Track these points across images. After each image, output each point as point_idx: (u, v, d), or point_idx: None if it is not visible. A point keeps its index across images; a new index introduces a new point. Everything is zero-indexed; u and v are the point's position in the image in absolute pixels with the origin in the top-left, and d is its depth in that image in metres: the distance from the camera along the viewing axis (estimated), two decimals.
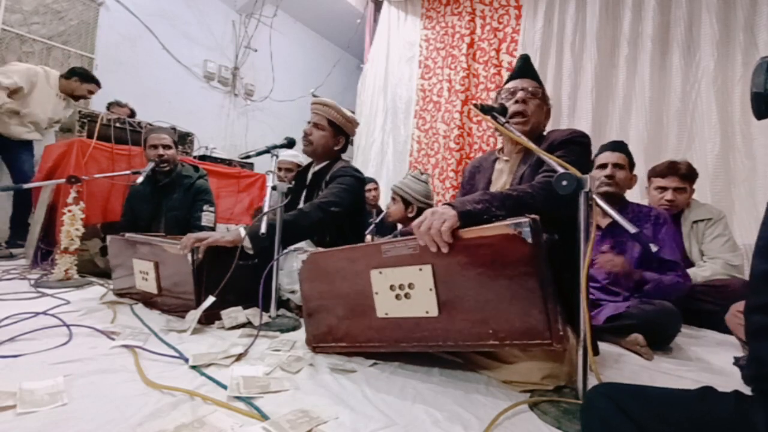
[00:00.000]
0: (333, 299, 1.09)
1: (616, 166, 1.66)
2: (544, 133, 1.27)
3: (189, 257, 1.30)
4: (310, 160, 1.89)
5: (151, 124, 2.74)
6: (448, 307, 0.90)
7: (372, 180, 3.67)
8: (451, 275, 0.89)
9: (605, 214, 1.64)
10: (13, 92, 2.63)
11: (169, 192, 2.26)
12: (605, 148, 1.75)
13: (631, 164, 1.73)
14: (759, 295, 0.57)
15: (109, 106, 3.24)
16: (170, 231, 2.09)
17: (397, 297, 0.96)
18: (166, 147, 2.20)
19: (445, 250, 0.86)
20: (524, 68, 1.32)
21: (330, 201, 1.54)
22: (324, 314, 1.11)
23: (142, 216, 2.25)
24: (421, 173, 2.28)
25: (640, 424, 0.56)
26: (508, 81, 1.33)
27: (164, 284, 1.44)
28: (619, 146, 1.73)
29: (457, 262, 0.87)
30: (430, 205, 2.21)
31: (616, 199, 1.67)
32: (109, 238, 1.69)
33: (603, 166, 1.68)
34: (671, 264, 1.52)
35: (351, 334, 1.07)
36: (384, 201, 3.86)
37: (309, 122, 1.76)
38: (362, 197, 1.80)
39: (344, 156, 1.88)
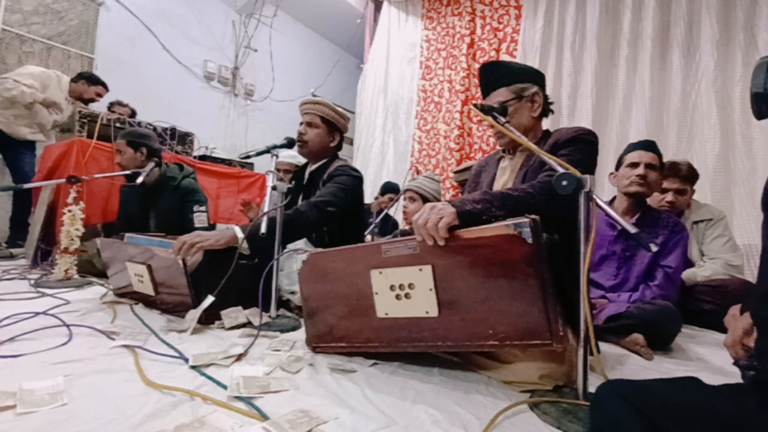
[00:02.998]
0: (333, 299, 1.09)
1: (649, 166, 1.58)
2: (551, 130, 1.26)
3: (180, 263, 1.27)
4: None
5: (151, 124, 2.74)
6: (448, 307, 0.90)
7: (397, 190, 3.03)
8: (451, 275, 0.89)
9: (623, 214, 1.64)
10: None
11: (155, 195, 2.20)
12: (636, 146, 1.67)
13: (662, 165, 1.67)
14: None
15: (111, 105, 3.24)
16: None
17: (397, 297, 0.96)
18: (118, 152, 2.12)
19: (441, 243, 0.86)
20: (481, 84, 1.33)
21: (326, 200, 1.53)
22: (324, 314, 1.11)
23: (133, 220, 2.22)
24: (433, 173, 2.31)
25: (649, 419, 0.56)
26: None
27: (160, 286, 1.43)
28: (651, 146, 1.65)
29: (457, 263, 0.87)
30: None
31: (641, 201, 1.63)
32: (99, 241, 1.65)
33: (634, 164, 1.61)
34: (665, 269, 1.52)
35: (351, 334, 1.07)
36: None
37: (301, 123, 1.76)
38: (360, 196, 1.79)
39: (343, 156, 1.87)
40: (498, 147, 1.36)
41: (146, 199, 2.22)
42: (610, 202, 1.72)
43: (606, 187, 3.04)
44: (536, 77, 1.27)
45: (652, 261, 1.56)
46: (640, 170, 1.58)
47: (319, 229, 1.64)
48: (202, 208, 2.20)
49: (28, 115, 2.73)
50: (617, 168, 1.71)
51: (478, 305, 0.87)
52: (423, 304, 0.93)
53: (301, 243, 1.69)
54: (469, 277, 0.87)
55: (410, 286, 0.94)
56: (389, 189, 3.24)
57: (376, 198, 3.43)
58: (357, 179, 1.70)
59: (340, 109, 1.79)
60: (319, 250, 1.15)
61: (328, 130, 1.76)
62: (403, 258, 0.94)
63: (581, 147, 1.11)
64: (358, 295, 1.02)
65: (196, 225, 2.15)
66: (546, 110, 1.27)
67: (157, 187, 2.20)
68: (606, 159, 3.10)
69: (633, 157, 1.62)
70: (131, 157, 2.13)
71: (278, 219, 1.36)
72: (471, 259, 0.86)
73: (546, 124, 1.34)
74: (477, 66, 3.89)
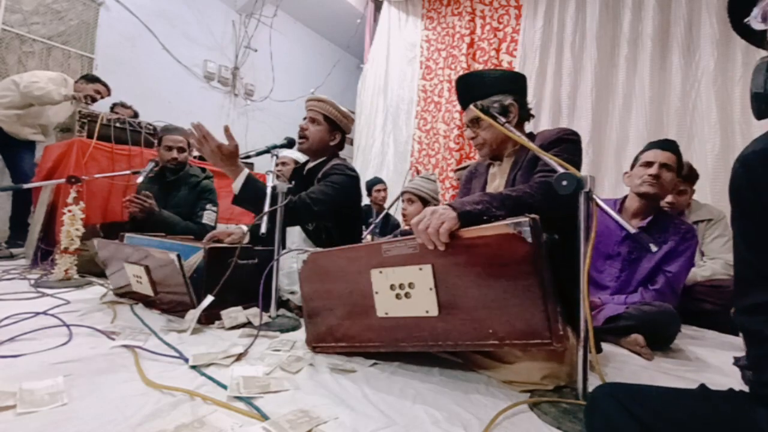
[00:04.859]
0: (333, 299, 1.09)
1: (663, 166, 1.52)
2: (535, 133, 1.27)
3: (177, 263, 1.27)
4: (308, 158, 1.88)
5: (151, 124, 2.74)
6: (448, 306, 0.90)
7: (380, 181, 3.71)
8: (451, 275, 0.89)
9: (633, 215, 1.60)
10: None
11: (174, 189, 2.29)
12: (653, 145, 1.60)
13: (680, 168, 1.59)
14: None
15: (113, 107, 3.24)
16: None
17: (398, 296, 0.96)
18: (180, 150, 2.25)
19: (441, 248, 0.86)
20: (458, 97, 1.31)
21: (315, 198, 1.50)
22: (324, 314, 1.11)
23: (147, 215, 2.24)
24: (430, 173, 2.33)
25: (645, 424, 0.56)
26: None
27: (159, 286, 1.43)
28: (670, 145, 1.57)
29: (457, 262, 0.87)
30: (439, 202, 2.27)
31: (654, 203, 1.58)
32: (96, 241, 1.65)
33: (648, 164, 1.55)
34: (667, 274, 1.50)
35: (351, 334, 1.07)
36: (388, 203, 3.86)
37: (305, 118, 1.77)
38: (357, 195, 1.78)
39: (344, 156, 1.87)
40: (479, 157, 1.36)
41: (164, 192, 2.28)
42: (622, 202, 1.69)
43: (605, 187, 3.04)
44: (512, 84, 1.25)
45: (656, 266, 1.52)
46: (653, 170, 1.51)
47: (303, 224, 1.62)
48: (214, 208, 2.31)
49: (32, 116, 2.73)
50: (632, 167, 1.65)
51: (478, 305, 0.87)
52: (423, 303, 0.93)
53: (301, 243, 1.69)
54: (469, 276, 0.87)
55: (410, 285, 0.94)
56: (375, 182, 3.65)
57: (370, 199, 3.53)
58: (352, 178, 1.68)
59: (344, 110, 1.78)
60: (321, 249, 1.15)
61: (330, 129, 1.76)
62: (404, 257, 0.94)
63: (566, 147, 1.12)
64: (358, 295, 1.03)
65: (204, 221, 2.22)
66: (524, 116, 1.27)
67: (178, 182, 2.30)
68: (606, 159, 3.10)
69: (648, 155, 1.56)
70: (188, 155, 2.33)
71: (278, 219, 1.36)
72: (471, 259, 0.86)
73: (547, 122, 1.34)
74: (477, 66, 3.89)
